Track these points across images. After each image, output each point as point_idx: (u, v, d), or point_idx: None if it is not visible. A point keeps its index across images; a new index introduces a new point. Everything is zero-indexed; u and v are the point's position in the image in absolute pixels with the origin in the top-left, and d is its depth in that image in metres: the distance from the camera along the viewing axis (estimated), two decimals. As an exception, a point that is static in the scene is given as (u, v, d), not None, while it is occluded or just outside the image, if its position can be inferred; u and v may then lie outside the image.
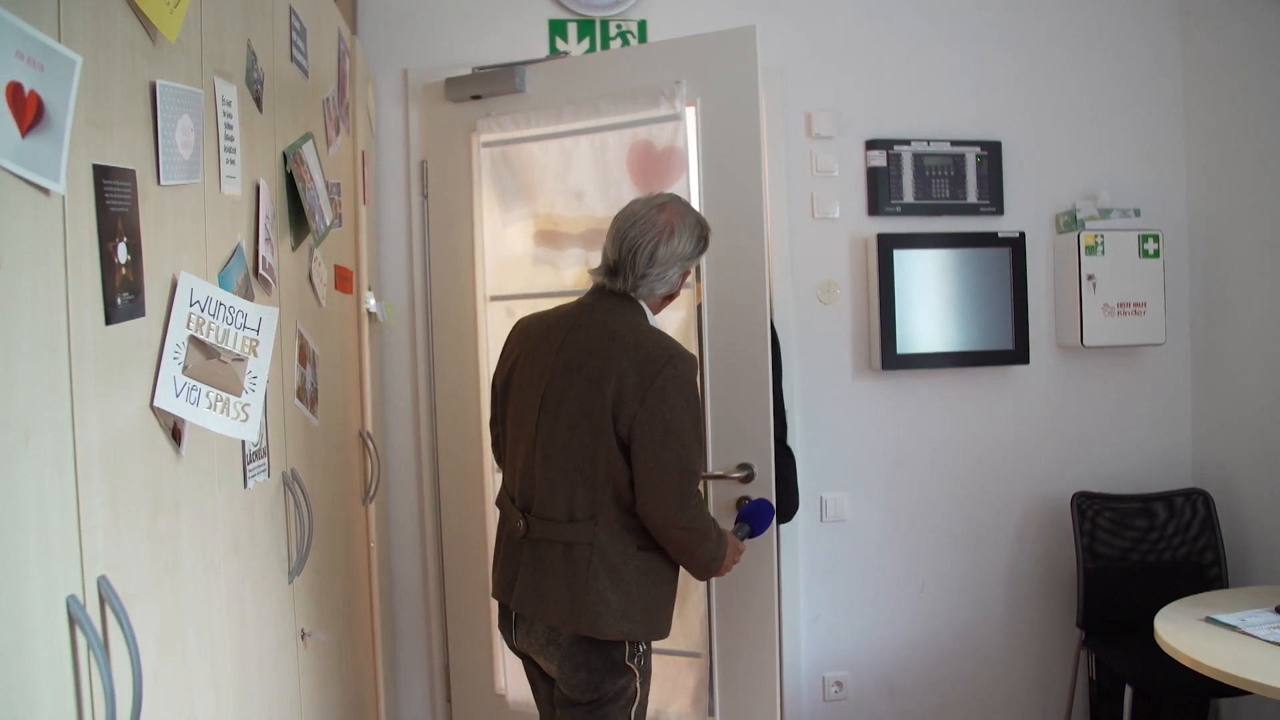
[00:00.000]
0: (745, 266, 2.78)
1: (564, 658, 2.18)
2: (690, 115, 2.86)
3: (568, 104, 3.00)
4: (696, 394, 2.17)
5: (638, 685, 2.21)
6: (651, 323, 2.28)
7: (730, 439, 2.79)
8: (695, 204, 2.80)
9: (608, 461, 2.13)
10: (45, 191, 1.00)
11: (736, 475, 2.75)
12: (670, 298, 2.34)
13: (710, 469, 2.78)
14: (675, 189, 2.79)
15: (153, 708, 1.21)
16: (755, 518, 2.54)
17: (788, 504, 3.17)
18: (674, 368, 2.13)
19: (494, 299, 3.18)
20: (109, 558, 1.11)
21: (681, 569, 2.29)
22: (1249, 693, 2.46)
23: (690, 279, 2.74)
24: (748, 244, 2.78)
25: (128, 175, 1.21)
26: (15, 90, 0.94)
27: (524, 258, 3.12)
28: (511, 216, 3.13)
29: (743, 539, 2.47)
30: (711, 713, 2.90)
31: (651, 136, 2.89)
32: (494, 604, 3.16)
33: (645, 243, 2.22)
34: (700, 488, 2.24)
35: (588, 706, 2.19)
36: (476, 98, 3.16)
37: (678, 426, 2.10)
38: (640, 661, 2.20)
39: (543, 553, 2.20)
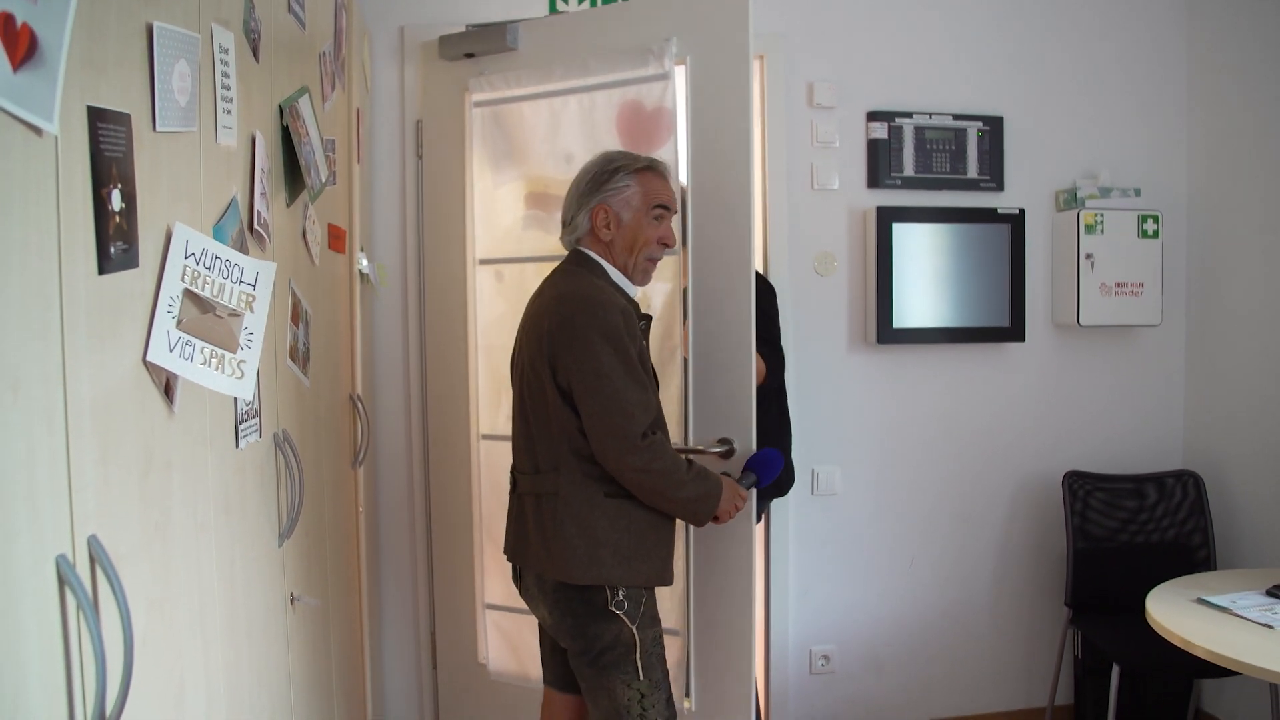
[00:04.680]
0: (730, 234, 2.65)
1: (551, 605, 2.28)
2: (681, 75, 2.75)
3: (557, 62, 2.90)
4: (624, 339, 2.18)
5: (634, 631, 2.22)
6: (614, 279, 2.32)
7: (711, 413, 2.70)
8: (683, 167, 2.71)
9: (557, 414, 2.21)
10: (38, 132, 0.96)
11: (716, 450, 2.67)
12: (624, 243, 2.31)
13: (690, 442, 2.72)
14: (663, 151, 2.70)
15: (142, 670, 1.17)
16: (763, 466, 2.51)
17: (785, 477, 3.13)
18: (593, 315, 2.17)
19: (483, 262, 3.12)
20: (99, 517, 1.08)
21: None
22: (1235, 673, 2.46)
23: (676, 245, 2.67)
24: (734, 211, 2.64)
25: (123, 119, 1.16)
26: (7, 22, 0.89)
27: (514, 221, 3.05)
28: (503, 178, 3.06)
29: (748, 488, 2.45)
30: (687, 693, 2.84)
31: (640, 96, 2.78)
32: (480, 571, 3.16)
33: (568, 194, 2.37)
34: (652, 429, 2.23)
35: (587, 659, 2.25)
36: (470, 56, 3.08)
37: (607, 371, 2.14)
38: (626, 608, 2.22)
39: (524, 505, 2.33)
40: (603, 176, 2.31)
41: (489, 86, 3.03)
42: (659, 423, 2.28)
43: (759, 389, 3.06)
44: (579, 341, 2.16)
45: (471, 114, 3.08)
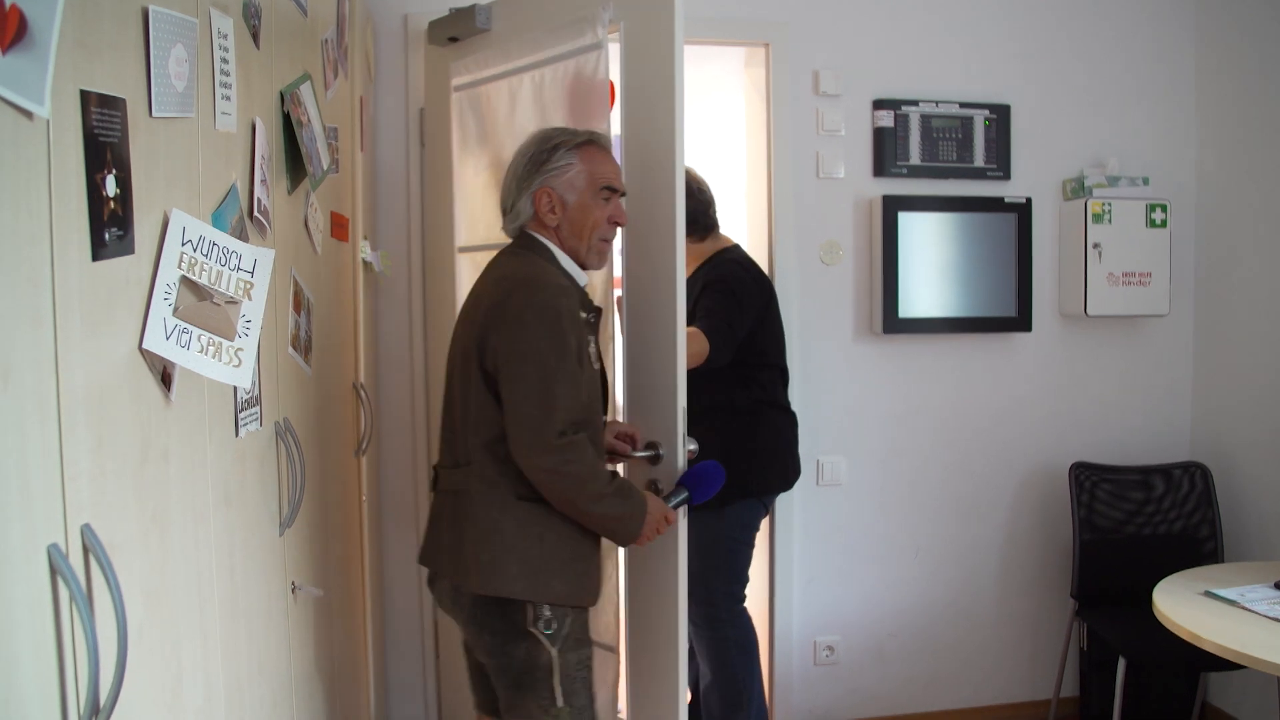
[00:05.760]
0: (657, 220, 2.35)
1: (468, 619, 2.09)
2: (617, 44, 2.53)
3: (514, 40, 2.81)
4: (562, 324, 1.99)
5: (553, 654, 2.02)
6: (563, 263, 2.14)
7: (641, 417, 2.47)
8: (616, 146, 2.45)
9: (477, 401, 2.04)
10: (28, 115, 0.94)
11: (643, 454, 2.40)
12: (571, 229, 2.14)
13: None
14: (601, 129, 2.47)
15: (139, 659, 1.17)
16: (699, 483, 2.27)
17: (793, 469, 3.11)
18: (532, 293, 2.00)
19: (461, 250, 3.08)
20: (94, 506, 1.06)
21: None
22: (1243, 667, 2.45)
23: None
24: (659, 193, 2.34)
25: (118, 104, 1.14)
26: (-4, 3, 0.88)
27: (486, 207, 3.00)
28: (481, 164, 3.00)
29: (676, 507, 2.23)
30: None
31: (581, 69, 2.59)
32: None
33: (505, 176, 2.20)
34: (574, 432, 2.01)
35: (505, 679, 2.07)
36: (454, 40, 3.03)
37: (536, 356, 1.97)
38: (547, 628, 2.01)
39: (441, 502, 2.16)
40: (541, 156, 2.12)
41: (464, 70, 2.97)
42: (590, 423, 2.07)
43: (762, 391, 3.01)
44: (511, 321, 1.99)
45: (452, 99, 3.04)
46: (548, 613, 2.02)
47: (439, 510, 2.17)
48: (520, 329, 1.98)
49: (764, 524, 3.32)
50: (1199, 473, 3.51)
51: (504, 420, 1.99)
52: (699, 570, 2.98)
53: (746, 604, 3.11)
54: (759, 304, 2.97)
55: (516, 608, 2.01)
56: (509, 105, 2.83)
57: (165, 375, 1.29)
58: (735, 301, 2.90)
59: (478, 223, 3.00)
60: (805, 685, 3.53)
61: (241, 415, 1.64)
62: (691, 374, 2.93)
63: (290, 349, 2.01)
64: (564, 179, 2.13)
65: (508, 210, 2.19)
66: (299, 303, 2.08)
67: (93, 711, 1.01)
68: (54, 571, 0.97)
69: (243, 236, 1.61)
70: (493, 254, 2.83)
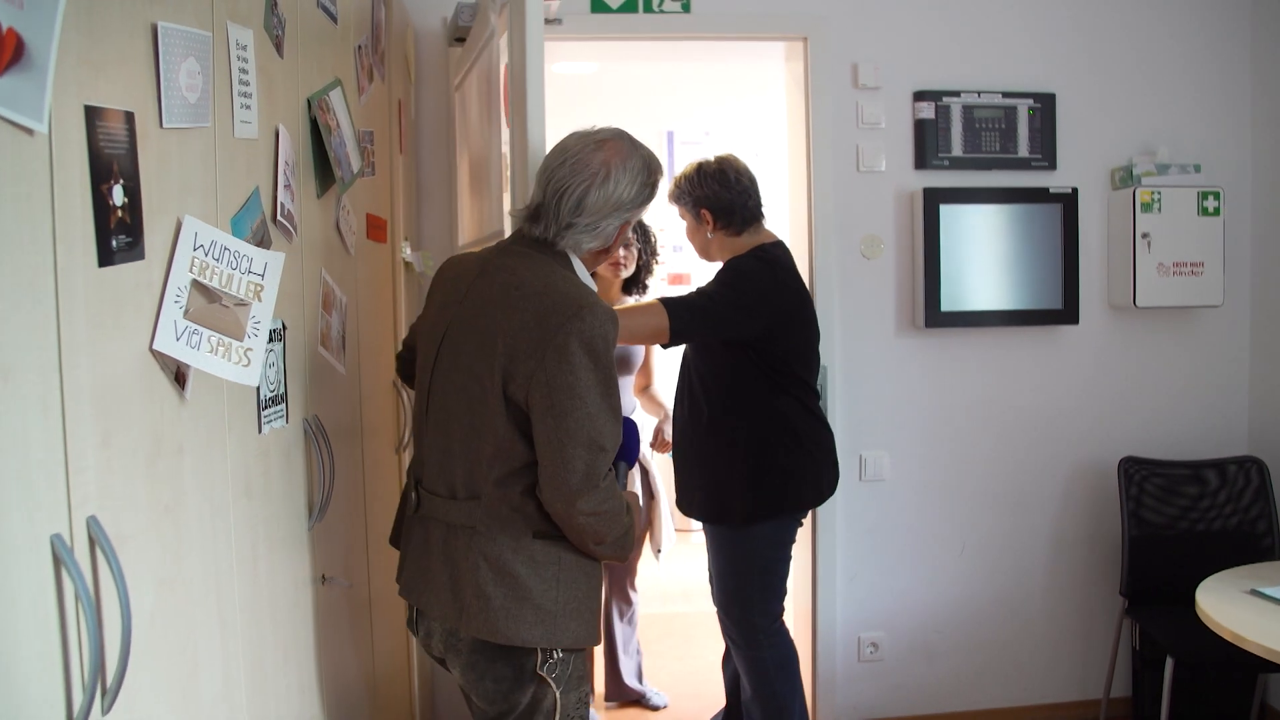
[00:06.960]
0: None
1: (466, 665, 1.89)
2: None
3: (472, 35, 2.79)
4: (609, 355, 1.80)
5: (557, 695, 1.87)
6: (580, 275, 1.92)
7: None
8: (505, 142, 2.37)
9: (494, 432, 1.81)
10: (29, 132, 1.00)
11: None
12: (605, 254, 1.99)
13: None
14: (497, 120, 2.41)
15: (151, 647, 1.22)
16: (623, 451, 2.03)
17: (828, 482, 2.93)
18: (581, 322, 1.76)
19: (462, 250, 3.14)
20: (101, 499, 1.12)
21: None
22: (1294, 666, 2.39)
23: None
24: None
25: (125, 117, 1.20)
26: (-9, 27, 0.93)
27: (471, 204, 3.04)
28: (465, 162, 3.06)
29: (625, 486, 2.04)
30: None
31: (491, 59, 2.48)
32: None
33: (574, 186, 1.86)
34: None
35: None
36: (460, 40, 3.08)
37: (583, 392, 1.75)
38: (555, 670, 1.86)
39: (431, 533, 1.93)
40: (646, 190, 1.93)
41: (457, 70, 3.04)
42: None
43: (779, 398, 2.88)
44: (554, 350, 1.75)
45: (454, 98, 3.10)
46: (557, 654, 1.86)
47: (426, 542, 1.95)
48: (565, 362, 1.75)
49: (806, 520, 3.29)
50: (1255, 468, 3.42)
51: (540, 458, 1.79)
52: (734, 590, 2.92)
53: (789, 599, 3.06)
54: (772, 303, 2.74)
55: (526, 653, 1.85)
56: (467, 103, 2.88)
57: (179, 375, 1.35)
58: (729, 286, 2.72)
59: (467, 221, 3.06)
60: (849, 682, 3.52)
61: (265, 413, 1.70)
62: (720, 385, 2.84)
63: (320, 348, 2.07)
64: (640, 215, 2.00)
65: (577, 226, 1.89)
66: (329, 303, 2.14)
67: (96, 695, 1.07)
68: (57, 561, 1.03)
69: (265, 240, 1.67)
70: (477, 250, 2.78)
